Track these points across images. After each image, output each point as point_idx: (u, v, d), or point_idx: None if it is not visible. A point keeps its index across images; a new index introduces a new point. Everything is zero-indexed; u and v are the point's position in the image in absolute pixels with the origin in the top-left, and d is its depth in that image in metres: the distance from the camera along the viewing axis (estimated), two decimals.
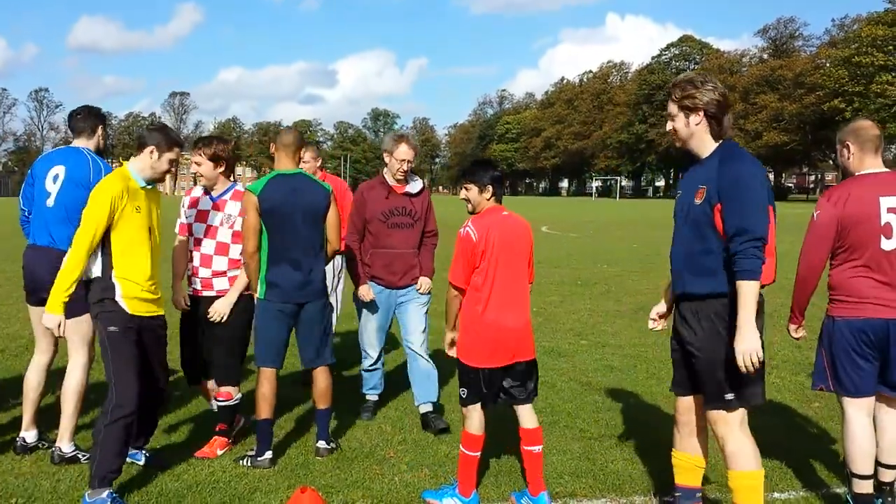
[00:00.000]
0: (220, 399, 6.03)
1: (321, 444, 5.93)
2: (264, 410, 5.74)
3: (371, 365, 7.04)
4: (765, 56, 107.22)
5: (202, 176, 5.94)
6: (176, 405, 7.04)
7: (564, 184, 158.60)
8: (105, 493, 4.73)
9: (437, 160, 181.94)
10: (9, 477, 5.35)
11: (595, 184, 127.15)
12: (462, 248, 4.97)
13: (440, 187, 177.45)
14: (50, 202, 5.74)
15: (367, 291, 6.78)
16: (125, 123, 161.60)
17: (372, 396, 7.15)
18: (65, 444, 5.60)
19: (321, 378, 5.99)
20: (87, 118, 6.04)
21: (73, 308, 5.03)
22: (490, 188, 5.09)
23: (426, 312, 6.92)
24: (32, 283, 5.77)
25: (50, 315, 4.86)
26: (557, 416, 6.91)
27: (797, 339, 5.36)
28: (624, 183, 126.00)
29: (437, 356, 6.82)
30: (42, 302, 5.23)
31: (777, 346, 9.68)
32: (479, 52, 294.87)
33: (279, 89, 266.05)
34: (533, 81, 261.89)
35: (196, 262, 6.00)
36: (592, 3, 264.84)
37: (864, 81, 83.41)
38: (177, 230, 6.10)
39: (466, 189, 5.16)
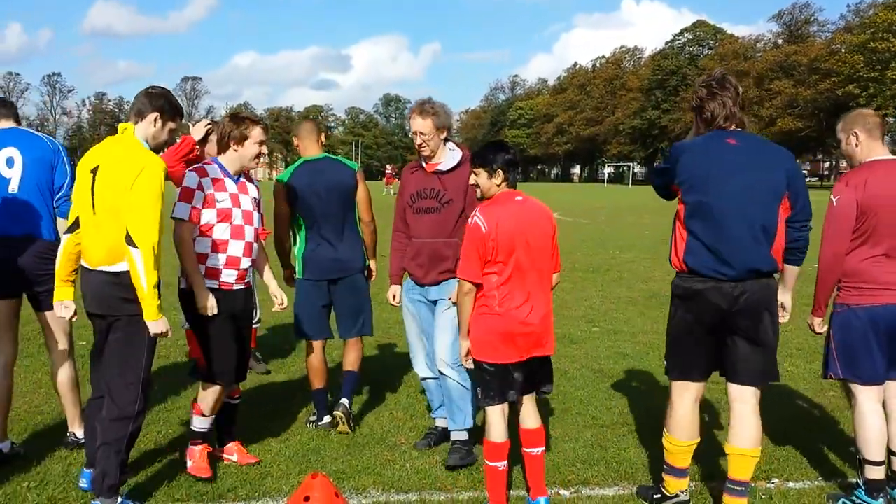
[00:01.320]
0: (237, 397, 5.63)
1: (344, 400, 6.13)
2: (317, 381, 6.25)
3: (426, 377, 6.01)
4: (779, 41, 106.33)
5: (259, 158, 5.24)
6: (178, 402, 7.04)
7: (576, 170, 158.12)
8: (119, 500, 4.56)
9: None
10: (20, 461, 5.36)
11: (607, 170, 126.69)
12: (471, 240, 4.55)
13: None
14: (13, 188, 5.25)
15: (393, 293, 6.04)
16: None
17: (440, 420, 6.00)
18: (78, 430, 5.58)
19: (353, 349, 6.32)
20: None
21: (51, 300, 4.90)
22: (500, 172, 4.63)
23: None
24: (8, 274, 5.27)
25: (156, 322, 4.42)
26: (569, 404, 6.88)
27: (820, 333, 5.06)
28: (636, 169, 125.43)
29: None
30: (12, 295, 5.35)
31: (791, 334, 9.63)
32: (492, 37, 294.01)
33: (292, 74, 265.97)
34: (547, 67, 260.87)
35: (235, 251, 5.11)
36: None
37: (879, 67, 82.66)
38: (186, 216, 4.99)
39: (475, 174, 4.71)
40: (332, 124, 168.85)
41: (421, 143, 5.68)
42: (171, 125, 4.73)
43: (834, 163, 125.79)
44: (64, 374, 5.59)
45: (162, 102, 4.66)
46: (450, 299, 5.46)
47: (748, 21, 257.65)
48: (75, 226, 4.63)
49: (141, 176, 4.32)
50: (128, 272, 4.35)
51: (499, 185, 4.67)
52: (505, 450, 4.67)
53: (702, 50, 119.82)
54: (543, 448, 4.80)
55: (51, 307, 4.95)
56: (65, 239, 4.69)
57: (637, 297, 12.71)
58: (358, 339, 6.34)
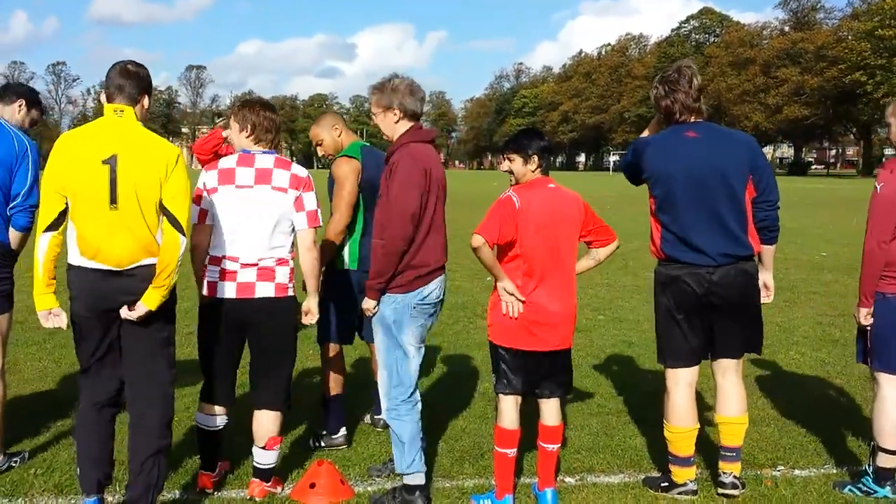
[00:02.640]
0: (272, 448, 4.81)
1: (380, 416, 5.70)
2: (337, 386, 5.70)
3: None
4: (786, 29, 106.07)
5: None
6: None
7: (581, 158, 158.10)
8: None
9: (454, 134, 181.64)
10: (27, 448, 5.37)
11: (613, 158, 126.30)
12: (499, 209, 4.47)
13: (456, 161, 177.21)
14: None
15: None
16: None
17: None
18: None
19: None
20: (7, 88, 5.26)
21: (1, 303, 4.76)
22: (535, 158, 4.59)
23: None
24: None
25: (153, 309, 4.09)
26: (575, 392, 6.87)
27: (867, 325, 4.84)
28: None
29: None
30: None
31: (797, 322, 9.64)
32: (498, 25, 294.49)
33: (298, 62, 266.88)
34: (552, 54, 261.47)
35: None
36: None
37: (886, 55, 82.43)
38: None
39: (510, 160, 4.65)
40: (337, 113, 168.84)
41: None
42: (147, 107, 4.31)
43: (840, 150, 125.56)
44: None
45: (147, 83, 4.24)
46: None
47: (756, 9, 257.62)
48: (56, 224, 4.06)
49: (179, 162, 4.09)
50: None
51: (533, 171, 4.64)
52: (516, 437, 4.66)
53: (708, 37, 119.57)
54: (559, 445, 4.82)
55: None
56: (45, 239, 4.05)
57: (642, 286, 12.68)
58: None
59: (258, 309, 4.48)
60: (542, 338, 4.54)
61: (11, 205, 4.81)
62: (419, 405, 4.72)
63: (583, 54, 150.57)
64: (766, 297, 4.88)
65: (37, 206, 4.58)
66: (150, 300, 4.04)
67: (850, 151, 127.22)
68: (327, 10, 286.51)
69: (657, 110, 4.82)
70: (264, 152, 4.56)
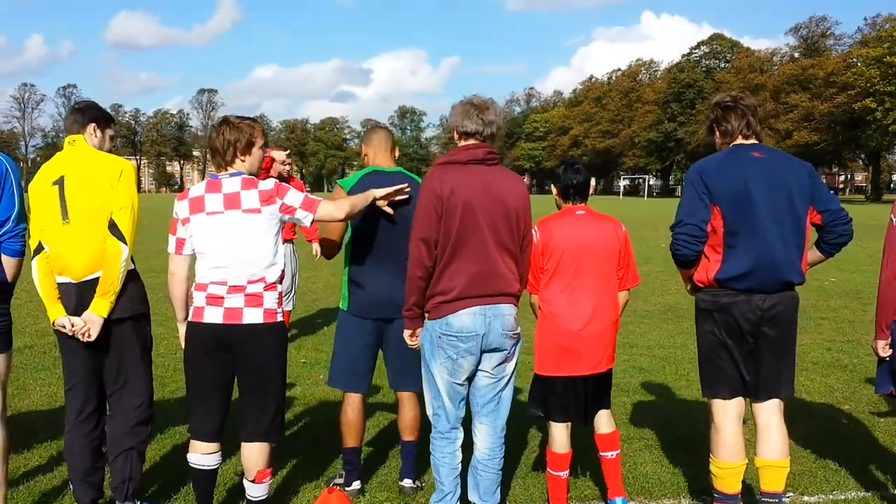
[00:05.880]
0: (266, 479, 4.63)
1: (406, 482, 5.27)
2: (351, 438, 5.23)
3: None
4: (796, 55, 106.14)
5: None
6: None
7: (592, 182, 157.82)
8: None
9: None
10: (43, 465, 5.37)
11: (623, 182, 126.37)
12: (532, 251, 4.66)
13: None
14: None
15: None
16: (153, 120, 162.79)
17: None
18: None
19: (409, 405, 5.31)
20: None
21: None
22: (557, 189, 4.88)
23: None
24: None
25: (102, 318, 4.45)
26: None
27: (885, 357, 4.77)
28: (652, 182, 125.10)
29: None
30: None
31: (806, 348, 9.59)
32: (511, 50, 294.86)
33: (313, 87, 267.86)
34: (565, 79, 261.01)
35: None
36: (629, 1, 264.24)
37: (895, 81, 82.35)
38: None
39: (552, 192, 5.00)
40: (348, 136, 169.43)
41: None
42: (109, 132, 4.77)
43: (849, 176, 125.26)
44: None
45: (94, 116, 4.69)
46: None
47: (769, 35, 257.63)
48: (40, 249, 4.56)
49: (123, 174, 4.48)
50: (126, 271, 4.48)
51: (562, 201, 4.88)
52: (567, 460, 4.83)
53: (718, 63, 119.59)
54: (618, 451, 4.94)
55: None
56: (35, 263, 4.55)
57: (653, 311, 12.69)
58: (414, 395, 5.30)
59: (246, 335, 4.33)
60: (576, 362, 4.65)
61: (2, 231, 4.47)
62: (456, 445, 4.55)
63: (593, 79, 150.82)
64: None
65: (26, 229, 4.58)
66: (97, 308, 4.42)
67: (859, 177, 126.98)
68: (344, 36, 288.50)
69: (715, 131, 4.70)
70: (231, 175, 4.39)
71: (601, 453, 4.95)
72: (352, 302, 5.11)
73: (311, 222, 4.50)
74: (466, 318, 4.30)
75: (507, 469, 4.86)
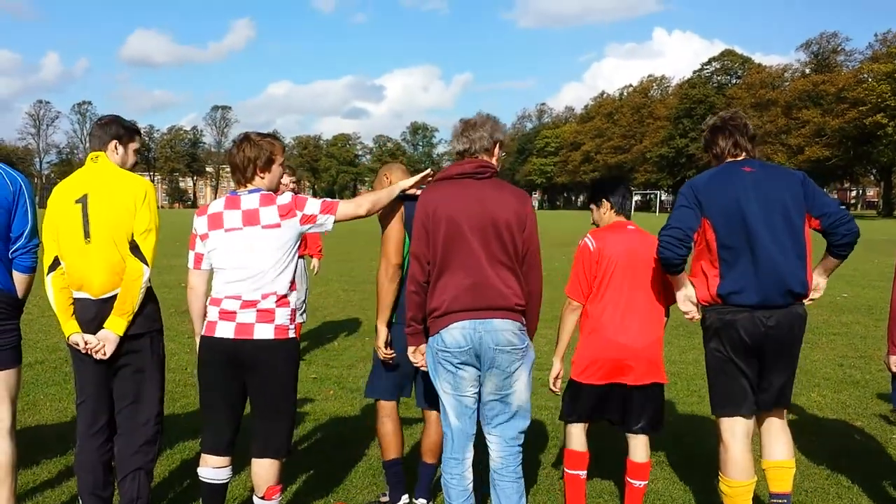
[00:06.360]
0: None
1: (420, 501, 5.21)
2: (392, 450, 5.15)
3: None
4: (807, 71, 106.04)
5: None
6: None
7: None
8: None
9: None
10: (46, 488, 5.37)
11: (635, 198, 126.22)
12: (579, 258, 4.84)
13: None
14: None
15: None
16: (167, 137, 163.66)
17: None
18: None
19: (434, 427, 5.12)
20: None
21: (7, 357, 4.49)
22: (603, 203, 5.05)
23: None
24: None
25: (118, 336, 4.46)
26: (594, 434, 6.83)
27: None
28: (664, 197, 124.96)
29: None
30: None
31: (818, 364, 9.55)
32: (524, 66, 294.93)
33: (326, 103, 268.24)
34: (577, 95, 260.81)
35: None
36: (640, 18, 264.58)
37: None
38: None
39: (591, 210, 5.18)
40: (360, 152, 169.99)
41: None
42: (133, 146, 4.79)
43: (860, 191, 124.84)
44: (1, 453, 4.49)
45: (115, 130, 4.70)
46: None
47: (780, 51, 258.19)
48: (55, 265, 4.57)
49: (147, 196, 4.53)
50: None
51: (605, 215, 5.06)
52: (584, 459, 4.96)
53: (729, 79, 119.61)
54: (646, 482, 4.98)
55: (6, 366, 4.50)
56: (49, 280, 4.56)
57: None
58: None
59: (256, 351, 4.32)
60: (612, 371, 4.75)
61: (14, 247, 4.52)
62: (465, 466, 4.44)
63: (605, 95, 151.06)
64: (815, 294, 4.66)
65: (38, 245, 4.63)
66: (114, 326, 4.45)
67: (871, 192, 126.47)
68: (356, 53, 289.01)
69: (708, 152, 4.80)
70: (250, 192, 4.42)
71: (629, 479, 4.97)
72: (399, 311, 4.94)
73: (334, 223, 4.49)
74: (456, 333, 4.21)
75: (530, 480, 4.75)
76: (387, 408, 5.13)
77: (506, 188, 4.37)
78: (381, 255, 4.96)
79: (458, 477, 4.42)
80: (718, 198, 4.49)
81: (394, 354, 4.96)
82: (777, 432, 4.70)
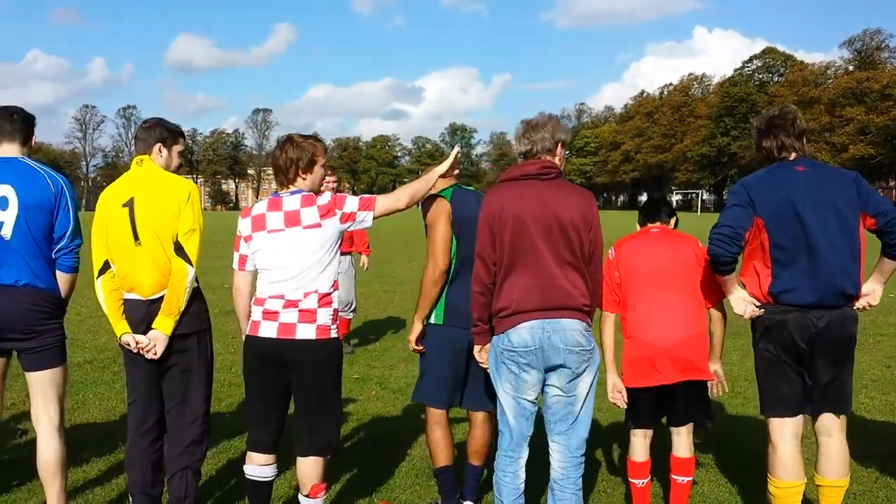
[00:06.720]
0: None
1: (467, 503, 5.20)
2: (443, 457, 5.08)
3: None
4: (850, 68, 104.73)
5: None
6: None
7: (644, 197, 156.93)
8: None
9: None
10: (94, 486, 5.45)
11: (675, 197, 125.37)
12: (605, 269, 4.74)
13: None
14: (5, 233, 4.55)
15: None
16: (210, 140, 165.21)
17: None
18: None
19: (480, 429, 5.17)
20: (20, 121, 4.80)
21: (53, 355, 4.68)
22: (641, 212, 5.20)
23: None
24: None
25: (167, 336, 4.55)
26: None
27: None
28: (705, 196, 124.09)
29: None
30: (2, 353, 4.71)
31: (866, 366, 9.42)
32: (562, 67, 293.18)
33: (365, 105, 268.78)
34: (616, 95, 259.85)
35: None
36: (680, 16, 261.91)
37: None
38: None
39: None
40: (399, 154, 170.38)
41: None
42: (177, 148, 4.85)
43: None
44: (50, 451, 4.66)
45: (159, 133, 4.76)
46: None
47: (822, 48, 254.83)
48: (105, 268, 4.64)
49: (191, 197, 4.59)
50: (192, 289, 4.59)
51: (641, 224, 5.15)
52: (645, 469, 4.97)
53: (772, 77, 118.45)
54: (691, 478, 4.98)
55: (40, 367, 4.65)
56: (99, 283, 4.62)
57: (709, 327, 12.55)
58: (488, 415, 5.15)
59: (299, 350, 4.38)
60: (653, 372, 4.72)
61: (57, 247, 4.70)
62: (519, 465, 4.42)
63: (645, 94, 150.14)
64: (868, 300, 4.57)
65: (80, 245, 4.79)
66: (162, 326, 4.52)
67: None
68: (396, 55, 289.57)
69: (758, 152, 4.72)
70: (291, 193, 4.48)
71: (673, 476, 4.98)
72: (449, 313, 4.94)
73: (374, 219, 4.51)
74: (524, 333, 4.18)
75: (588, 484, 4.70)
76: (436, 415, 5.07)
77: (571, 188, 4.37)
78: (427, 257, 4.95)
79: (511, 475, 4.41)
80: (771, 197, 4.43)
81: (423, 350, 5.03)
82: (834, 450, 4.57)
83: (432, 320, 4.99)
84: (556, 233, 4.21)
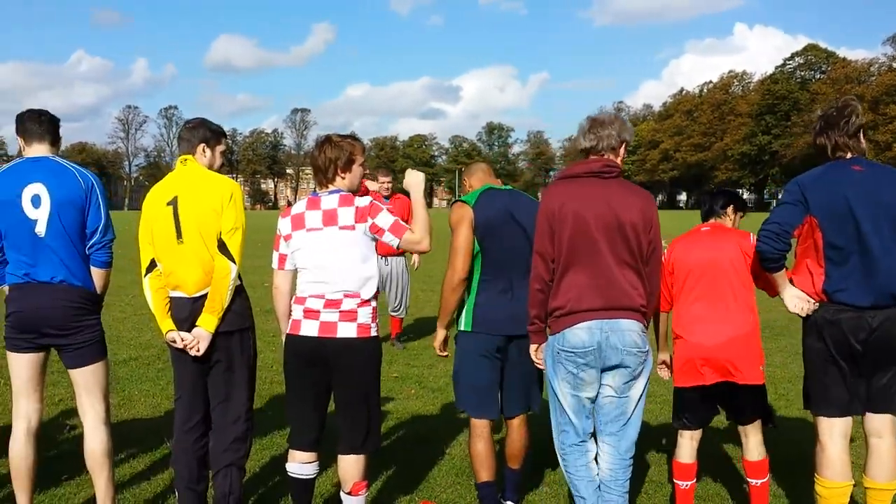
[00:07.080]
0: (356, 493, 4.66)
1: None
2: (485, 472, 4.94)
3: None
4: (894, 65, 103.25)
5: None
6: None
7: (682, 196, 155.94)
8: None
9: (552, 173, 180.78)
10: (140, 481, 5.54)
11: None
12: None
13: None
14: (40, 230, 4.62)
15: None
16: (249, 139, 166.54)
17: None
18: None
19: (518, 432, 5.08)
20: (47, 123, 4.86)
21: (92, 351, 4.79)
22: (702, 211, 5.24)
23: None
24: (36, 325, 4.65)
25: (210, 333, 4.58)
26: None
27: None
28: (746, 195, 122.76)
29: None
30: (38, 349, 4.71)
31: None
32: (600, 65, 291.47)
33: (402, 104, 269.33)
34: (655, 93, 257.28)
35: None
36: (720, 13, 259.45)
37: None
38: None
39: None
40: (436, 153, 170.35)
41: None
42: (220, 148, 4.89)
43: None
44: (96, 441, 4.79)
45: (203, 133, 4.82)
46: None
47: (866, 45, 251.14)
48: (152, 266, 4.73)
49: (234, 196, 4.65)
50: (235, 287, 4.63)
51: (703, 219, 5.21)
52: (691, 471, 4.97)
53: (813, 74, 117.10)
54: (765, 479, 4.94)
55: (81, 364, 4.75)
56: (147, 282, 4.72)
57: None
58: (524, 418, 5.08)
59: (340, 349, 4.43)
60: (701, 372, 4.74)
61: (90, 242, 4.78)
62: (590, 458, 4.37)
63: (684, 92, 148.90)
64: None
65: (113, 240, 4.88)
66: (205, 323, 4.56)
67: None
68: (433, 55, 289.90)
69: (814, 148, 4.66)
70: (329, 192, 4.54)
71: (749, 479, 4.99)
72: (478, 319, 4.89)
73: (398, 247, 4.49)
74: (582, 333, 4.16)
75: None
76: (478, 426, 4.94)
77: (631, 188, 4.36)
78: (448, 262, 4.92)
79: (583, 468, 4.37)
80: (826, 196, 4.38)
81: (447, 355, 5.12)
82: (885, 452, 4.49)
83: (462, 327, 4.96)
84: (616, 232, 4.18)
